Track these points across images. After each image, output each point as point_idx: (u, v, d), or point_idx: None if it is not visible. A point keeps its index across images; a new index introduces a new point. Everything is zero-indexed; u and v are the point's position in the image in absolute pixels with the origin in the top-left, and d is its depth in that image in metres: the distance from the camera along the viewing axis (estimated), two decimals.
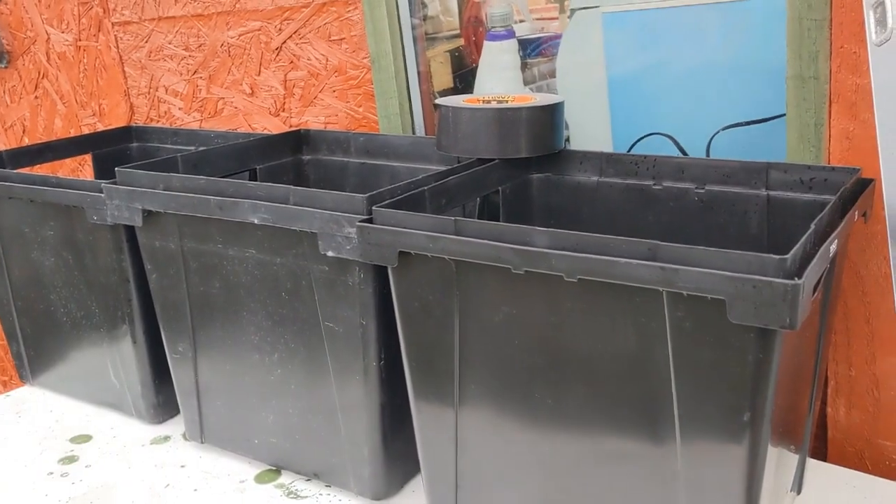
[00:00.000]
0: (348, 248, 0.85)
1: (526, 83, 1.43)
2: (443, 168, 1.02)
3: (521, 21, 1.38)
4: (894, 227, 0.79)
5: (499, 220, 1.04)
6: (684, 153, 1.15)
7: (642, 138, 1.19)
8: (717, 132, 1.14)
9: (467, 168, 0.99)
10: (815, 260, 0.64)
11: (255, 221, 0.92)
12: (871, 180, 0.88)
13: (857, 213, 0.81)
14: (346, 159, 1.28)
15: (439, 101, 1.07)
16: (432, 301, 0.82)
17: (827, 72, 0.92)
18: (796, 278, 0.60)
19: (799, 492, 0.95)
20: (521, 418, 0.81)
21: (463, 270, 0.79)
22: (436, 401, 0.87)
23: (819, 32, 0.91)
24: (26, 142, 1.95)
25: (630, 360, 0.72)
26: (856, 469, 1.00)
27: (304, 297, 0.94)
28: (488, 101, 1.08)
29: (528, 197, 1.08)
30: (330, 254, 0.87)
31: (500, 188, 1.02)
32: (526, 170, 1.07)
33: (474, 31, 1.38)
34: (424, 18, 1.35)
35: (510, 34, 1.30)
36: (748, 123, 1.11)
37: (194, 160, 1.14)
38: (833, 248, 0.71)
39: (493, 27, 1.29)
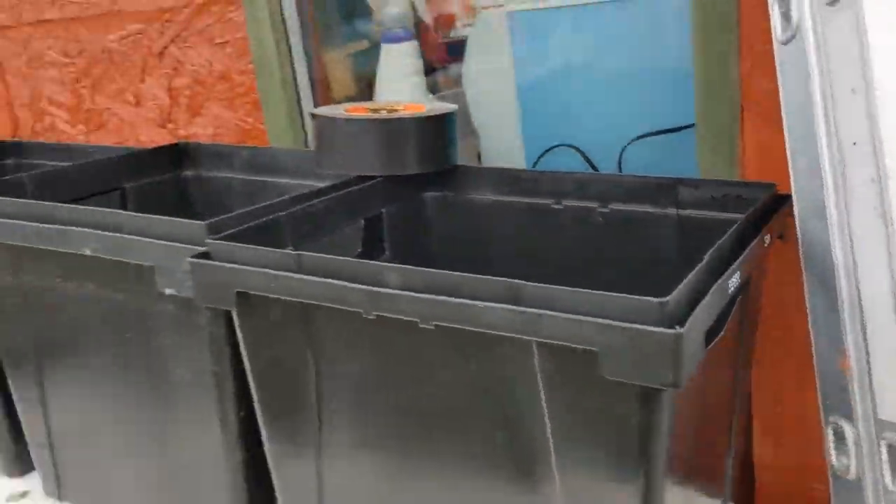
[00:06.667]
0: (188, 284, 0.72)
1: (434, 90, 1.32)
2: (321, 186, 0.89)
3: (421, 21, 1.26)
4: (808, 250, 0.68)
5: (386, 249, 0.92)
6: (593, 167, 1.05)
7: (548, 150, 1.08)
8: (630, 143, 1.03)
9: (342, 187, 0.87)
10: (703, 302, 0.53)
11: (87, 252, 0.79)
12: (788, 196, 0.77)
13: (770, 235, 0.70)
14: (230, 175, 1.15)
15: (316, 110, 0.94)
16: (283, 349, 0.70)
17: (737, 74, 0.81)
18: (678, 327, 0.49)
19: None
20: (389, 471, 0.70)
21: (312, 314, 0.67)
22: (296, 457, 0.74)
23: (726, 28, 0.80)
24: None
25: (502, 419, 0.61)
26: None
27: (149, 339, 0.81)
28: (377, 111, 0.95)
29: (423, 219, 0.96)
30: (168, 291, 0.74)
31: (383, 210, 0.90)
32: (417, 188, 0.95)
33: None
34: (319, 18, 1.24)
35: (408, 35, 1.18)
36: (661, 133, 1.00)
37: (46, 181, 1.01)
38: (735, 280, 0.60)
39: (388, 28, 1.18)
